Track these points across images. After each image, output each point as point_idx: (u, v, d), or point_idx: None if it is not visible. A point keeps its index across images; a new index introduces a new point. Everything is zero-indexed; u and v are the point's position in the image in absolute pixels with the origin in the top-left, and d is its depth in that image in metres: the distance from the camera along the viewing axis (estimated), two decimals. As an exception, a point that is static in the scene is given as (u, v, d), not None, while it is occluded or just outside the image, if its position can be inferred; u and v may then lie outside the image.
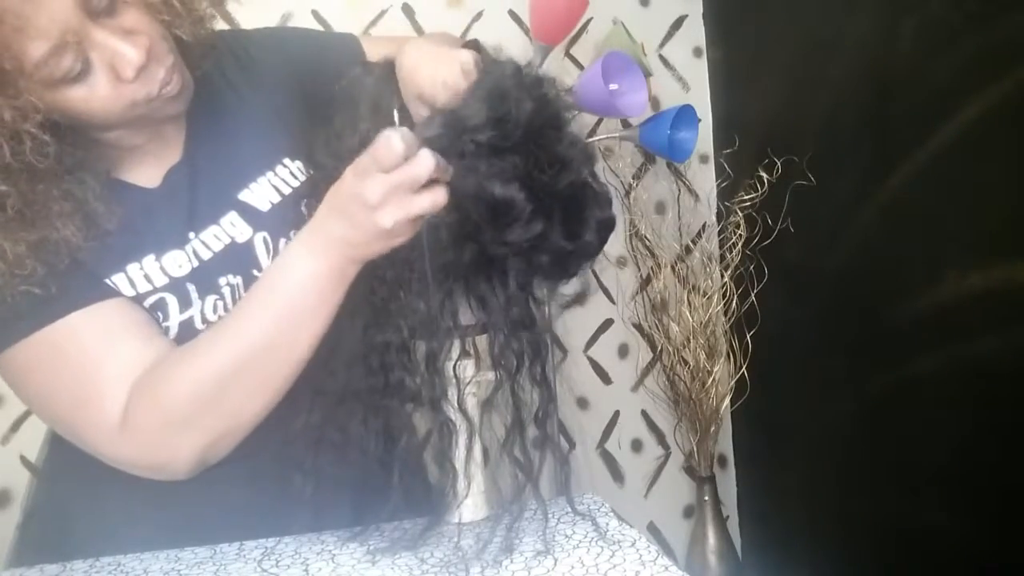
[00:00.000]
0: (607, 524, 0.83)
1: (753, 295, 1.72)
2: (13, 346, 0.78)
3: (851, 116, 1.49)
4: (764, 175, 1.64)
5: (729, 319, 1.76)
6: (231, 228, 0.87)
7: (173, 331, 0.82)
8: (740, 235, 1.71)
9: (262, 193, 0.89)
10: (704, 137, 1.88)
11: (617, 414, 1.90)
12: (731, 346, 1.76)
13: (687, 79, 1.92)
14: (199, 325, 0.83)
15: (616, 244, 1.81)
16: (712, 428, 1.78)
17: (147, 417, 0.77)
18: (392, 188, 0.68)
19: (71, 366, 0.78)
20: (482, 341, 0.82)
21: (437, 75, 0.79)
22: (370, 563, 0.77)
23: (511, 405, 0.78)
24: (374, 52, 0.98)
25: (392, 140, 0.66)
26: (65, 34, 0.71)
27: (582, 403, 1.86)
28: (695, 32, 1.92)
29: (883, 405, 1.47)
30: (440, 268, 0.75)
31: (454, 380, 0.81)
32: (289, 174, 0.90)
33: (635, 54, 1.58)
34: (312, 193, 0.88)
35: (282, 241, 0.87)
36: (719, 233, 1.86)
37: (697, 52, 1.92)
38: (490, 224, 0.74)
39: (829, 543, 1.65)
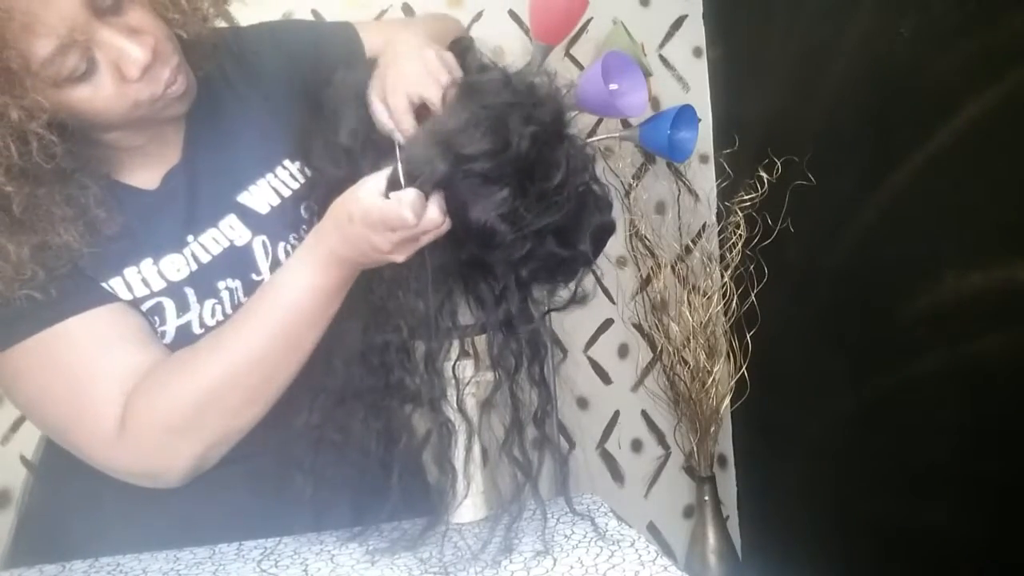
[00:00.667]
0: (606, 524, 0.82)
1: (753, 295, 1.72)
2: (8, 350, 0.77)
3: (851, 116, 1.49)
4: (764, 175, 1.64)
5: (729, 319, 1.76)
6: (230, 231, 0.86)
7: (170, 335, 0.81)
8: (740, 235, 1.71)
9: (261, 196, 0.88)
10: (704, 137, 1.88)
11: (617, 414, 1.89)
12: (731, 346, 1.76)
13: (687, 79, 1.92)
14: (197, 330, 0.82)
15: (616, 244, 1.80)
16: (712, 428, 1.78)
17: (145, 424, 0.77)
18: (402, 240, 0.72)
19: (66, 372, 0.77)
20: (481, 341, 0.82)
21: (399, 83, 0.80)
22: (369, 563, 0.77)
23: (510, 405, 0.79)
24: (370, 40, 0.97)
25: (405, 215, 0.69)
26: (72, 32, 0.70)
27: (582, 403, 1.86)
28: (695, 32, 1.92)
29: (883, 405, 1.47)
30: (438, 268, 0.76)
31: (453, 380, 0.81)
32: (289, 176, 0.89)
33: (635, 54, 1.58)
34: (311, 195, 0.88)
35: (281, 245, 0.87)
36: (719, 233, 1.86)
37: (697, 52, 1.92)
38: (475, 244, 0.75)
39: (829, 543, 1.65)
